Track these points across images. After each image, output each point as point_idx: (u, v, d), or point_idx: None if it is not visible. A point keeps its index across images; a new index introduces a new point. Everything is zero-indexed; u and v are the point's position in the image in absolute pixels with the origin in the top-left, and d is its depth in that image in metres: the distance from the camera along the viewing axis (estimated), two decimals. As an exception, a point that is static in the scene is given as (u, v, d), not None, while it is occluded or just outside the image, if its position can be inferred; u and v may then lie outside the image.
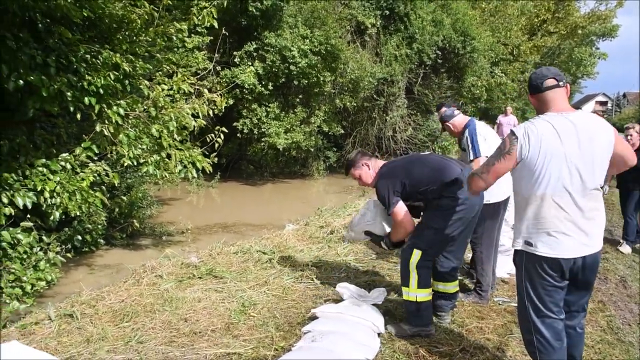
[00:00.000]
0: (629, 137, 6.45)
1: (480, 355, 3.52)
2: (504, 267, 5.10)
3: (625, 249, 6.72)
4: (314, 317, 3.90)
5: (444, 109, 4.73)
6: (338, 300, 4.25)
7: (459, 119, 4.62)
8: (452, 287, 4.05)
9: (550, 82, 2.71)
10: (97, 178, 5.32)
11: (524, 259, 2.77)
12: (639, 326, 4.34)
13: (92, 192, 5.15)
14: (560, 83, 2.71)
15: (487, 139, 4.40)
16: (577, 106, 78.35)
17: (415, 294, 3.70)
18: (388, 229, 4.05)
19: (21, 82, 4.51)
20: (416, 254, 3.67)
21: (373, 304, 4.08)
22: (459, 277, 5.06)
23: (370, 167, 4.00)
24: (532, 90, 2.78)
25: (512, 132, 2.70)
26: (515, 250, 2.83)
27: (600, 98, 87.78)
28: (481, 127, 4.52)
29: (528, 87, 2.83)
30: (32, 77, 4.51)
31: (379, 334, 3.70)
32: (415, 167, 3.83)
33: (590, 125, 2.64)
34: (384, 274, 5.19)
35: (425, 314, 3.76)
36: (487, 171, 2.75)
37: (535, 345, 2.80)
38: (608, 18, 32.72)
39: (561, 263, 2.66)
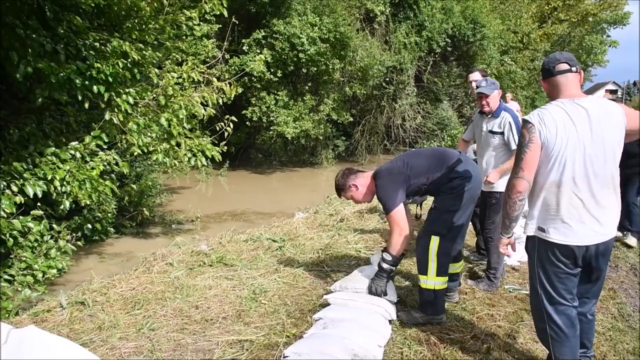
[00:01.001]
0: None
1: (492, 342, 3.50)
2: (515, 254, 5.06)
3: (631, 240, 6.25)
4: (325, 304, 3.89)
5: (482, 78, 4.62)
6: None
7: (496, 97, 4.46)
8: (458, 266, 4.10)
9: (563, 66, 2.67)
10: (107, 167, 5.32)
11: (537, 246, 2.74)
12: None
13: (102, 181, 5.15)
14: (573, 68, 2.67)
15: None
16: (587, 94, 77.59)
17: (434, 282, 3.65)
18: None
19: (30, 69, 4.51)
20: (434, 240, 3.61)
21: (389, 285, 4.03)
22: (469, 265, 5.07)
23: (359, 186, 3.95)
24: (545, 75, 2.74)
25: (526, 121, 2.65)
26: (528, 237, 2.80)
27: (610, 86, 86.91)
28: (518, 114, 4.46)
29: (541, 71, 2.80)
30: (41, 65, 4.50)
31: (390, 321, 3.69)
32: (412, 159, 3.79)
33: (601, 111, 2.60)
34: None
35: (440, 302, 3.74)
36: (522, 168, 2.65)
37: (548, 333, 2.78)
38: (619, 5, 32.34)
39: (574, 250, 2.63)
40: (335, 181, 4.05)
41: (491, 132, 4.44)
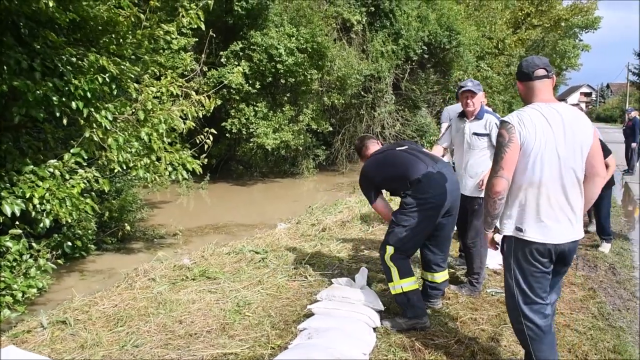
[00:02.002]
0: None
1: (476, 346, 3.54)
2: (495, 258, 5.12)
3: (606, 247, 6.30)
4: (309, 314, 3.90)
5: (470, 79, 4.67)
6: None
7: (480, 99, 4.51)
8: (439, 277, 4.16)
9: (541, 72, 2.76)
10: (87, 185, 5.27)
11: (514, 245, 2.79)
12: (629, 311, 4.40)
13: (82, 199, 5.10)
14: (549, 74, 2.78)
15: None
16: (562, 98, 79.05)
17: (400, 285, 3.78)
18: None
19: (5, 87, 4.46)
20: (389, 250, 3.80)
21: (370, 293, 4.10)
22: (451, 270, 5.11)
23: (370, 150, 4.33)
24: (522, 78, 2.82)
25: (505, 122, 2.72)
26: (505, 237, 2.85)
27: (585, 89, 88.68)
28: None
29: (517, 73, 2.88)
30: (16, 82, 4.46)
31: (374, 329, 3.71)
32: (386, 167, 4.04)
33: (572, 115, 2.71)
34: (378, 269, 5.20)
35: (418, 304, 3.81)
36: (502, 167, 2.71)
37: (526, 334, 2.83)
38: (590, 10, 33.12)
39: (550, 249, 2.71)
40: (355, 143, 4.54)
41: (476, 134, 4.46)
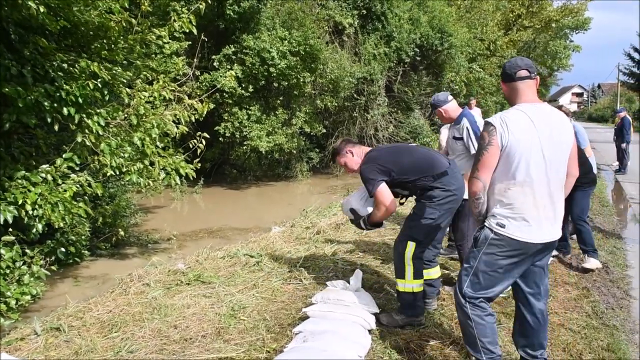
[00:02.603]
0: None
1: (471, 347, 3.54)
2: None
3: (592, 263, 5.50)
4: (304, 317, 3.90)
5: (437, 94, 4.81)
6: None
7: (452, 106, 4.65)
8: (434, 272, 4.22)
9: (523, 73, 2.79)
10: (80, 189, 5.25)
11: (490, 237, 2.78)
12: (622, 310, 4.43)
13: (75, 203, 5.07)
14: (532, 75, 2.81)
15: None
16: (554, 98, 79.56)
17: (412, 285, 3.80)
18: (369, 210, 4.03)
19: (-5, 94, 4.45)
20: (411, 246, 3.76)
21: (365, 295, 4.12)
22: (445, 272, 5.12)
23: (354, 154, 4.06)
24: (506, 79, 2.86)
25: (488, 123, 2.75)
26: (484, 227, 2.83)
27: (577, 90, 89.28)
28: (478, 118, 4.57)
29: (501, 75, 2.92)
30: (7, 89, 4.44)
31: (369, 331, 3.71)
32: (403, 157, 3.90)
33: (557, 117, 2.78)
34: (372, 271, 5.21)
35: (420, 305, 3.88)
36: (477, 169, 2.75)
37: (472, 324, 2.87)
38: (580, 11, 33.37)
39: (530, 247, 2.74)
40: (333, 146, 4.23)
41: (454, 138, 4.61)
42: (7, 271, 4.88)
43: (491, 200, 2.82)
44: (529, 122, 2.68)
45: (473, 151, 4.26)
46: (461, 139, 4.51)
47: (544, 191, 2.71)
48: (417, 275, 3.80)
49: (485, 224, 2.82)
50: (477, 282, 2.85)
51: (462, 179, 3.82)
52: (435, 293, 4.27)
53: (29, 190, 4.76)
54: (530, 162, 2.67)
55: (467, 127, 4.45)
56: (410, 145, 4.21)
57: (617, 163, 15.00)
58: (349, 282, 4.33)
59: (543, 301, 2.97)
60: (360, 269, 5.24)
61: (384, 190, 3.77)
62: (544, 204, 2.72)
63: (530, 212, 2.70)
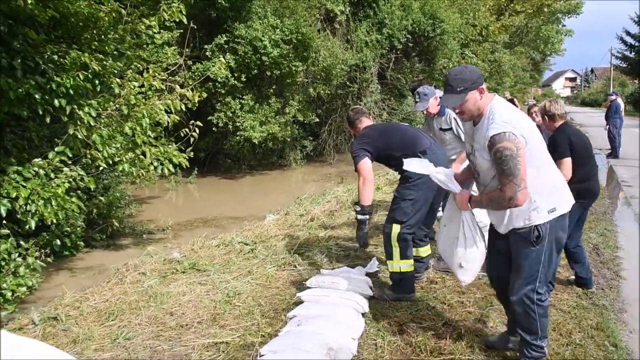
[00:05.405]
0: (534, 115, 6.66)
1: (463, 328, 3.61)
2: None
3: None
4: (299, 302, 3.96)
5: (420, 88, 4.95)
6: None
7: (432, 102, 4.87)
8: (424, 251, 4.48)
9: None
10: (73, 183, 5.26)
11: (549, 229, 2.80)
12: (612, 290, 4.51)
13: (68, 198, 5.07)
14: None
15: None
16: (547, 83, 79.58)
17: (399, 264, 4.01)
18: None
19: (-15, 86, 4.44)
20: (395, 228, 3.97)
21: (359, 280, 4.25)
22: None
23: (358, 130, 4.33)
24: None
25: (502, 134, 2.67)
26: (536, 227, 2.79)
27: (570, 74, 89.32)
28: None
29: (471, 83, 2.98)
30: (-2, 81, 4.44)
31: (363, 314, 3.77)
32: (390, 135, 4.15)
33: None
34: (365, 257, 5.26)
35: (408, 283, 4.09)
36: (523, 179, 2.66)
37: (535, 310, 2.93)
38: (572, -5, 33.34)
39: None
40: (348, 114, 4.50)
41: (441, 129, 4.93)
42: (3, 263, 4.91)
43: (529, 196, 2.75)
44: (520, 113, 2.91)
45: (463, 138, 4.34)
46: (449, 129, 4.70)
47: (553, 165, 2.94)
48: (404, 255, 3.99)
49: (535, 221, 2.78)
50: (548, 270, 2.93)
51: (445, 159, 4.01)
52: (423, 268, 4.51)
53: (22, 185, 4.76)
54: (539, 145, 2.82)
55: (453, 117, 4.71)
56: (404, 125, 4.48)
57: (609, 147, 15.02)
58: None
59: None
60: (354, 255, 5.31)
61: (366, 163, 4.00)
62: (559, 175, 2.96)
63: (562, 183, 2.94)
